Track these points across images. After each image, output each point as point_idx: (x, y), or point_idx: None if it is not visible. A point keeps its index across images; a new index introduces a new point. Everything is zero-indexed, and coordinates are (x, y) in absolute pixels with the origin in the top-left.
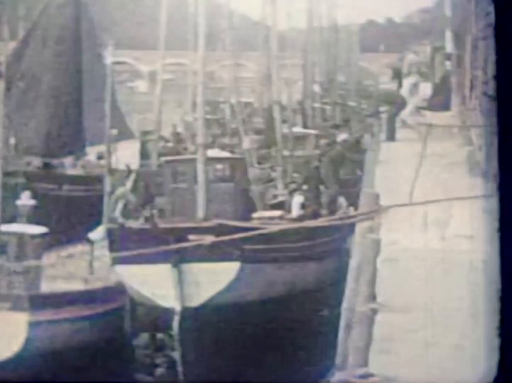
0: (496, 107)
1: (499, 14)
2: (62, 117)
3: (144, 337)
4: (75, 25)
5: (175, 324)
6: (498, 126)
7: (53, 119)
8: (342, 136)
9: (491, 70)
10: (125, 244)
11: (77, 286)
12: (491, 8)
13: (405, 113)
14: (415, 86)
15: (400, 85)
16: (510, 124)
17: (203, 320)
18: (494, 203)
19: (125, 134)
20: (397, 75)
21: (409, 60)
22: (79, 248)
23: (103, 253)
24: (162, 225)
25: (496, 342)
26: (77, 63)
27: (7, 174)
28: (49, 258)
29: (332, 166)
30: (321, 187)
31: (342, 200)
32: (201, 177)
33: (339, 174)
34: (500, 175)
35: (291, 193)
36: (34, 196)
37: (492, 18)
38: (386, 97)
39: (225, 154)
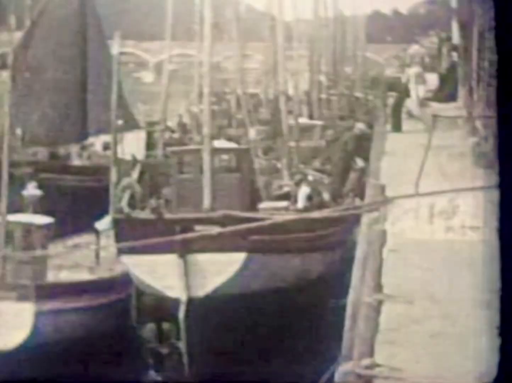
0: (496, 99)
1: (498, 8)
2: (65, 107)
3: (150, 327)
4: (79, 15)
5: (181, 314)
6: (498, 118)
7: (56, 109)
8: (359, 126)
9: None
10: (131, 234)
11: (83, 276)
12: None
13: (410, 104)
14: (418, 76)
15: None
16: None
17: (209, 310)
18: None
19: (131, 124)
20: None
21: (413, 51)
22: (85, 238)
23: (109, 243)
24: (168, 215)
25: (496, 342)
26: (81, 53)
27: (13, 164)
28: (55, 248)
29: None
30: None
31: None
32: (207, 168)
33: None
34: (500, 168)
35: (297, 183)
36: (40, 186)
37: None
38: (390, 84)
39: (231, 144)
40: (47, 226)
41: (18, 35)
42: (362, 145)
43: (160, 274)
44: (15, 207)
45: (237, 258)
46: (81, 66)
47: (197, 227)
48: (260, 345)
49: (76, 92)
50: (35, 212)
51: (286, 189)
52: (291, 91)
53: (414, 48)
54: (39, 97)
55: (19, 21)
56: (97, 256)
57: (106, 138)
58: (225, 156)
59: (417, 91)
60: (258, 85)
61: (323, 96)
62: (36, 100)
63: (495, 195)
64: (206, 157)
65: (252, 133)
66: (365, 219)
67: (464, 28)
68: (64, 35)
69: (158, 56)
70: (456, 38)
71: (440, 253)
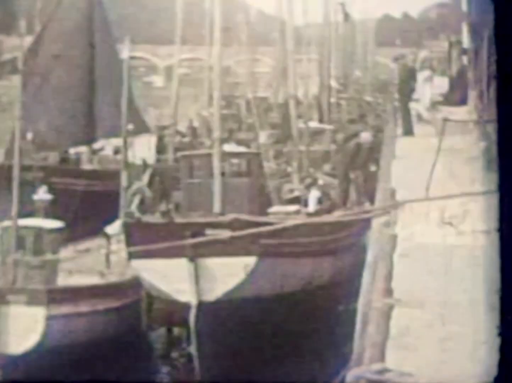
0: (496, 102)
1: (498, 10)
2: (73, 110)
3: (160, 331)
4: (88, 19)
5: (191, 318)
6: (499, 120)
7: (64, 112)
8: (364, 135)
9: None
10: (141, 239)
11: (93, 280)
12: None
13: (420, 108)
14: (428, 80)
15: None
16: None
17: (219, 315)
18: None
19: (141, 129)
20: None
21: (422, 55)
22: (96, 242)
23: (119, 247)
24: (178, 219)
25: (496, 342)
26: (90, 57)
27: (24, 168)
28: (66, 252)
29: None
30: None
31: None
32: (217, 172)
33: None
34: (501, 172)
35: (307, 187)
36: (51, 190)
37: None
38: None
39: (241, 149)
40: (57, 231)
41: (28, 39)
42: (365, 153)
43: (171, 278)
44: (26, 211)
45: (247, 262)
46: (89, 70)
47: (208, 231)
48: (270, 349)
49: (84, 96)
50: (46, 216)
51: (296, 193)
52: (301, 95)
53: (423, 53)
54: (48, 101)
55: (30, 26)
56: (107, 260)
57: (116, 142)
58: (235, 160)
59: (426, 95)
60: (268, 89)
61: (333, 100)
62: (45, 104)
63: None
64: (216, 161)
65: (262, 137)
66: (375, 223)
67: (475, 32)
68: (72, 39)
69: (168, 61)
70: (466, 41)
71: (451, 258)
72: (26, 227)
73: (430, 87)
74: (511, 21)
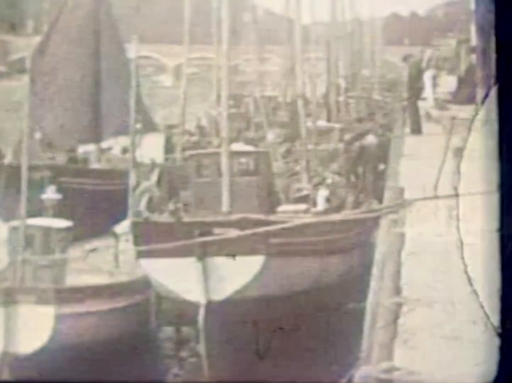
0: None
1: (498, 11)
2: (78, 110)
3: (169, 331)
4: (95, 18)
5: (200, 317)
6: (499, 123)
7: (70, 112)
8: (370, 138)
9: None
10: (150, 238)
11: (102, 279)
12: None
13: (427, 106)
14: (433, 79)
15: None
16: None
17: (228, 314)
18: None
19: (149, 128)
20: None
21: (428, 54)
22: (104, 242)
23: (128, 246)
24: (186, 219)
25: (496, 342)
26: (96, 56)
27: (32, 168)
28: (74, 251)
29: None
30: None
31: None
32: (225, 171)
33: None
34: (501, 172)
35: (316, 186)
36: (60, 190)
37: None
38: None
39: (249, 148)
40: (66, 230)
41: (36, 39)
42: (371, 156)
43: (179, 277)
44: (34, 211)
45: (256, 261)
46: (96, 70)
47: (216, 230)
48: (279, 348)
49: (92, 95)
50: (54, 216)
51: (304, 192)
52: (309, 94)
53: (429, 52)
54: (55, 101)
55: (37, 26)
56: (116, 260)
57: (124, 141)
58: (243, 159)
59: (433, 94)
60: (276, 88)
61: (341, 98)
62: (52, 104)
63: None
64: (224, 160)
65: (271, 136)
66: (384, 222)
67: (483, 30)
68: (79, 39)
69: (177, 60)
70: (474, 40)
71: (459, 256)
72: (34, 227)
73: (434, 86)
74: (511, 21)
